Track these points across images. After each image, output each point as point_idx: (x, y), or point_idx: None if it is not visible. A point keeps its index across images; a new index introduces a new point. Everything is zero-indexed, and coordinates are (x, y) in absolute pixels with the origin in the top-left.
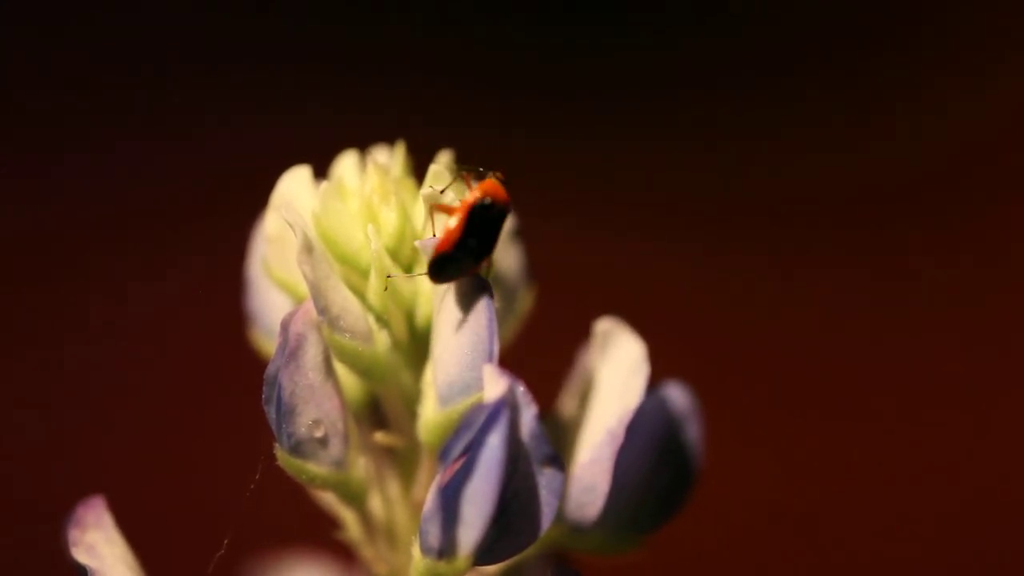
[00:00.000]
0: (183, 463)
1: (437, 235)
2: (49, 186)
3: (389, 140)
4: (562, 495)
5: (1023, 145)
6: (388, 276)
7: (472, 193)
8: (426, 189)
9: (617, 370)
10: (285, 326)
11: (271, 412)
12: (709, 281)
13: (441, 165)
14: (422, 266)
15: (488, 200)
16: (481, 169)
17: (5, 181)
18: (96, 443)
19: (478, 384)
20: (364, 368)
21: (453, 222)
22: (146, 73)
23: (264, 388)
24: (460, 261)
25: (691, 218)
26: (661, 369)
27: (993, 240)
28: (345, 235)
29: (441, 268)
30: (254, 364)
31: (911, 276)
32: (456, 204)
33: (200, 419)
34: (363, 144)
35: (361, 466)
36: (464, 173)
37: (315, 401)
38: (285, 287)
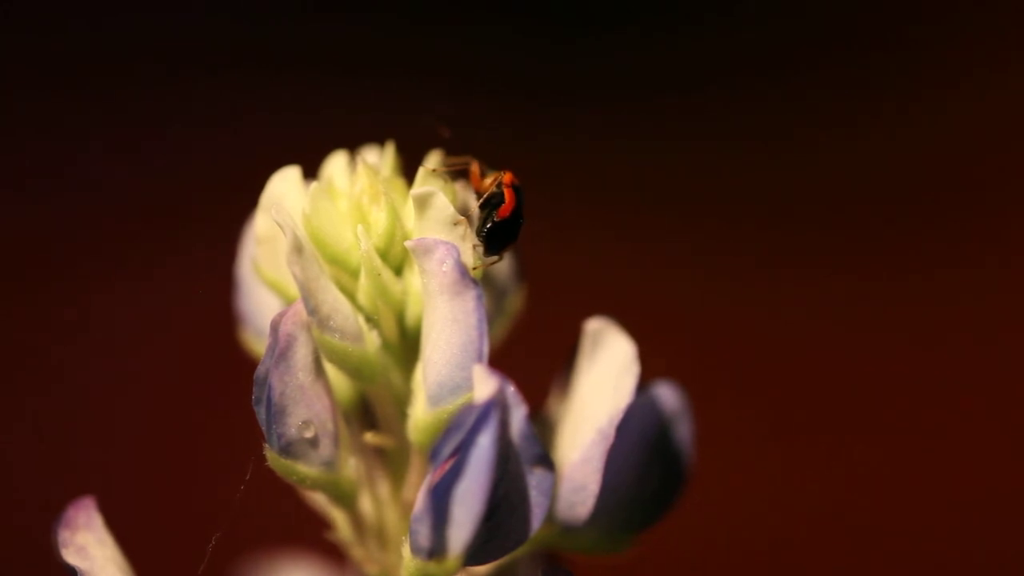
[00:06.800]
0: (174, 464)
1: (478, 207)
2: (48, 186)
3: (379, 140)
4: (552, 495)
5: (1023, 145)
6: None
7: (505, 174)
8: (422, 188)
9: (607, 370)
10: (275, 326)
11: (261, 413)
12: (701, 281)
13: (431, 165)
14: (412, 266)
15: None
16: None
17: (4, 181)
18: (88, 444)
19: (468, 384)
20: (354, 368)
21: (500, 194)
22: (143, 74)
23: (254, 389)
24: (512, 229)
25: (683, 218)
26: (652, 369)
27: (993, 240)
28: (335, 235)
29: (497, 236)
30: (246, 365)
31: (908, 277)
32: (488, 180)
33: (191, 420)
34: (353, 144)
35: (351, 466)
36: (461, 164)
37: (305, 401)
38: (275, 287)
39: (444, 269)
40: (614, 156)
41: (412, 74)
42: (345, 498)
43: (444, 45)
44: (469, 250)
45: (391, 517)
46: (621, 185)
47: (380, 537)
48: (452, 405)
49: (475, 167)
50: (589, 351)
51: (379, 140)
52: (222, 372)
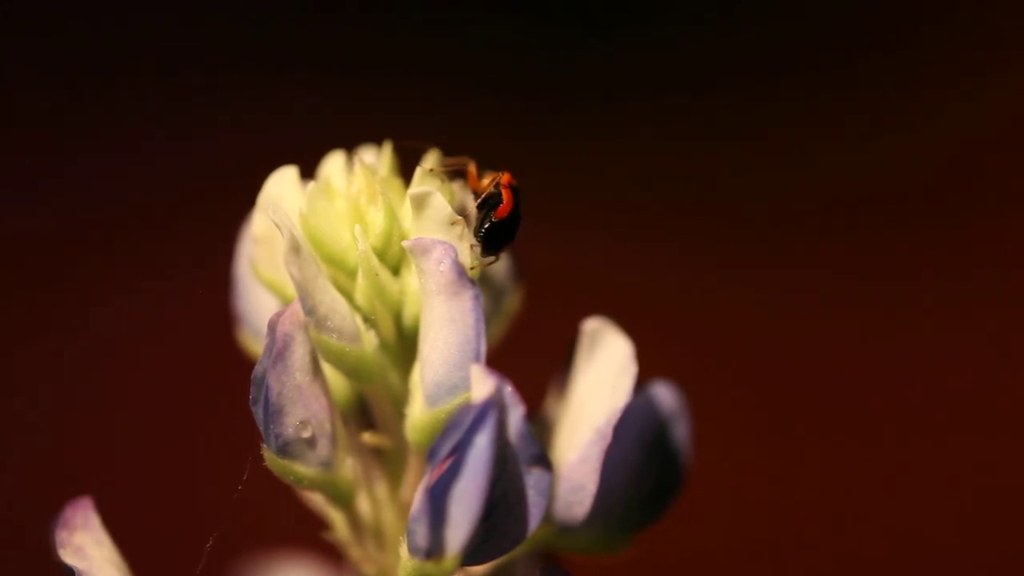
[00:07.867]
0: (172, 464)
1: (476, 207)
2: (48, 187)
3: (378, 140)
4: (550, 495)
5: (1023, 145)
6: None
7: (503, 174)
8: (420, 187)
9: (605, 369)
10: (272, 327)
11: (258, 413)
12: (701, 281)
13: (428, 165)
14: (409, 266)
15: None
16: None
17: (4, 181)
18: (87, 444)
19: (466, 384)
20: (351, 368)
21: (498, 195)
22: (143, 74)
23: (251, 389)
24: (509, 229)
25: (683, 218)
26: (650, 368)
27: (993, 240)
28: (332, 235)
29: (495, 236)
30: (244, 365)
31: (908, 277)
32: (486, 181)
33: (189, 420)
34: (352, 144)
35: (349, 467)
36: (458, 165)
37: (303, 402)
38: (272, 288)
39: (441, 269)
40: (614, 156)
41: (412, 74)
42: (343, 498)
43: (444, 45)
44: (467, 250)
45: (389, 517)
46: (621, 185)
47: (378, 537)
48: (450, 405)
49: (472, 167)
50: (587, 351)
51: (378, 140)
52: (220, 372)
